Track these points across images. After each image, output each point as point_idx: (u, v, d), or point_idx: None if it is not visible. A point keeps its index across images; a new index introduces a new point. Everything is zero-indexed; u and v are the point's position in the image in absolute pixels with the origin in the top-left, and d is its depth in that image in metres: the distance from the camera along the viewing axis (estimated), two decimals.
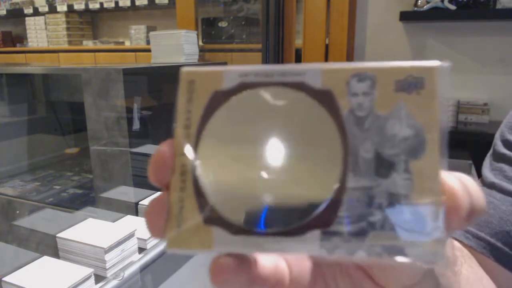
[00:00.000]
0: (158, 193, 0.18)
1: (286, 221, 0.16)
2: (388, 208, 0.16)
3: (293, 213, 0.16)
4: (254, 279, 0.17)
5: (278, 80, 0.18)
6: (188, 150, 0.18)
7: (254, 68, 0.18)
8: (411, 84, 0.16)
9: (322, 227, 0.16)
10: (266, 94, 0.18)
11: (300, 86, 0.17)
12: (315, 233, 0.16)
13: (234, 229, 0.17)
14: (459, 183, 0.16)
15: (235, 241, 0.17)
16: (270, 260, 0.19)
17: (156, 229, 0.18)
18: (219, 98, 0.18)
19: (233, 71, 0.18)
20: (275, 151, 0.17)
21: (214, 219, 0.17)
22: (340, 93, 0.17)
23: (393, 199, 0.16)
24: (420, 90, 0.16)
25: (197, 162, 0.18)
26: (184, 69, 0.19)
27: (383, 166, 0.16)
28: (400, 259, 0.15)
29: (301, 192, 0.17)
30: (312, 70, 0.17)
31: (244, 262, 0.17)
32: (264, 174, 0.17)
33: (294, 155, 0.17)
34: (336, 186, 0.16)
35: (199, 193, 0.17)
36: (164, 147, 0.18)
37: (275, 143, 0.17)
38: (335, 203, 0.16)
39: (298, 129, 0.17)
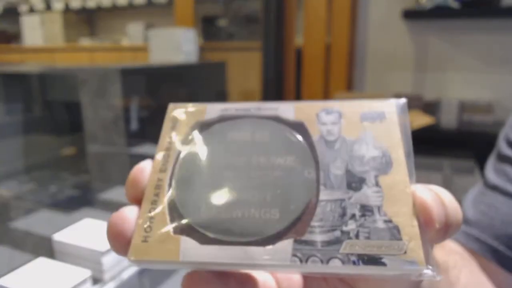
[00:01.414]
0: (125, 207, 0.18)
1: (257, 232, 0.16)
2: (362, 218, 0.16)
3: (265, 223, 0.17)
4: None
5: (254, 113, 0.20)
6: (167, 168, 0.19)
7: (233, 104, 0.20)
8: (374, 115, 0.19)
9: (295, 236, 0.16)
10: (243, 123, 0.20)
11: (274, 118, 0.20)
12: (288, 242, 0.16)
13: (204, 239, 0.16)
14: (431, 194, 0.16)
15: (203, 251, 0.16)
16: (257, 277, 0.19)
17: (119, 241, 0.17)
18: (200, 127, 0.20)
19: (216, 106, 0.20)
20: (250, 168, 0.18)
21: (184, 229, 0.17)
22: (310, 123, 0.19)
23: (366, 210, 0.16)
24: (383, 120, 0.19)
25: (174, 178, 0.18)
26: (172, 104, 0.21)
27: (354, 180, 0.17)
28: (377, 268, 0.15)
29: (274, 204, 0.17)
30: (286, 106, 0.20)
31: (229, 278, 0.17)
32: (239, 187, 0.18)
33: (267, 171, 0.18)
34: (309, 198, 0.17)
35: (171, 206, 0.18)
36: (143, 164, 0.19)
37: (249, 160, 0.18)
38: (308, 214, 0.17)
39: (273, 149, 0.19)
